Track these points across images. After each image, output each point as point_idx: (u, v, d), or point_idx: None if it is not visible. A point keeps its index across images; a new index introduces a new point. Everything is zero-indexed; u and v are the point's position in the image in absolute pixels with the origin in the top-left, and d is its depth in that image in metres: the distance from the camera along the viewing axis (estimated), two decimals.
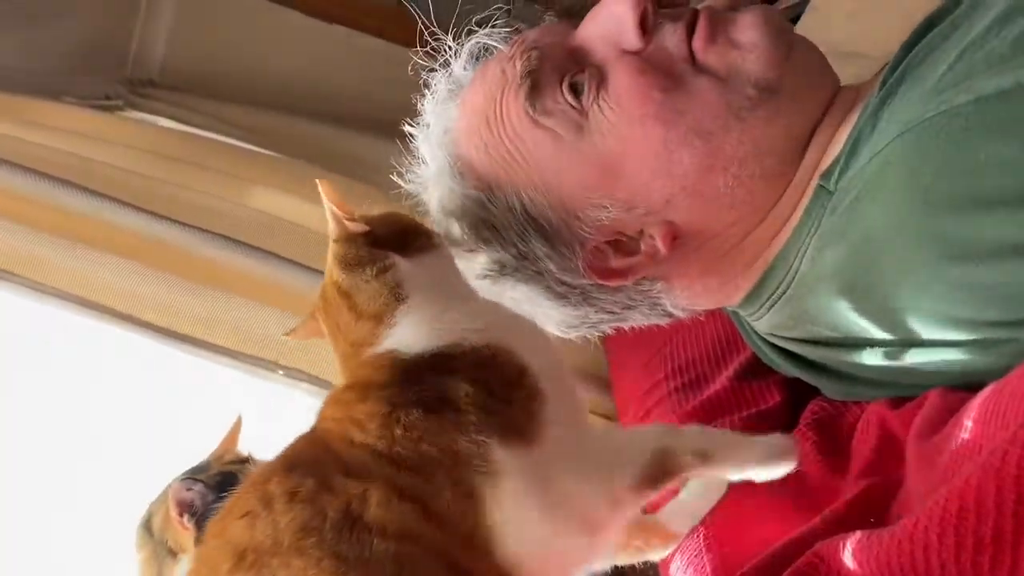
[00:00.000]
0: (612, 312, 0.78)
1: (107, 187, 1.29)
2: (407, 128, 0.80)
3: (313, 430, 0.57)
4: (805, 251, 0.66)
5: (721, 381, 0.85)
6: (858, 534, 0.48)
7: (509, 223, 0.72)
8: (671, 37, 0.68)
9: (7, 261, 1.13)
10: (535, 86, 0.69)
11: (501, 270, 0.74)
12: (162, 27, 3.19)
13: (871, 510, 0.57)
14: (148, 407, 1.18)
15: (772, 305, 0.72)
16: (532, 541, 0.52)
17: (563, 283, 0.74)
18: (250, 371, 1.10)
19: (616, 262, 0.72)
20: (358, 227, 0.63)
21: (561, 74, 0.69)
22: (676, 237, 0.70)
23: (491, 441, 0.52)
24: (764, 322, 0.76)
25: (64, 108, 2.07)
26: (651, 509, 0.71)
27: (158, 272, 1.14)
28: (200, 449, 1.05)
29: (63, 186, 1.23)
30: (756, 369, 0.84)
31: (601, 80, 0.68)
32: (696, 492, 0.67)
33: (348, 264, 0.62)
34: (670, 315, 0.79)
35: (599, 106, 0.68)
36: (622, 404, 1.02)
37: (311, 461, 0.52)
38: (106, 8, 3.01)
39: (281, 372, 1.10)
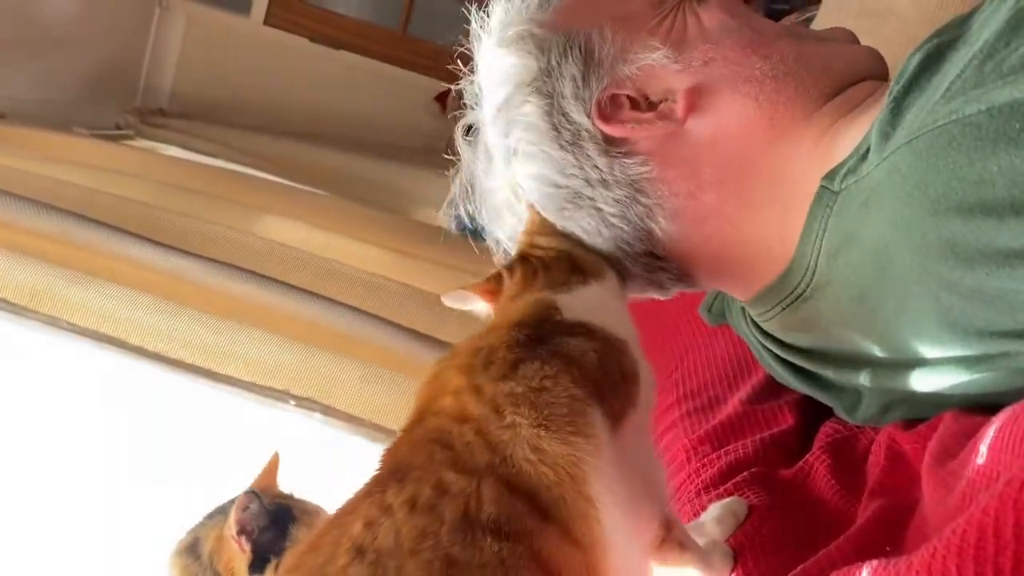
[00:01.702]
0: (587, 177, 0.75)
1: (118, 219, 1.30)
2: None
3: (419, 421, 0.59)
4: (819, 252, 0.66)
5: (733, 404, 0.84)
6: (874, 563, 0.47)
7: (557, 43, 0.77)
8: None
9: (21, 296, 1.14)
10: None
11: (518, 80, 0.78)
12: (171, 56, 3.24)
13: (885, 535, 0.57)
14: (160, 439, 1.18)
15: (788, 305, 0.72)
16: (623, 529, 0.55)
17: (564, 113, 0.75)
18: (262, 401, 1.10)
19: (626, 114, 0.75)
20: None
21: None
22: (694, 110, 0.73)
23: (594, 407, 0.56)
24: (776, 322, 0.75)
25: (75, 140, 2.09)
26: None
27: (169, 303, 1.14)
28: (211, 480, 1.05)
29: (75, 219, 1.24)
30: (769, 391, 0.84)
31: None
32: (716, 515, 0.67)
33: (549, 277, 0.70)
34: (647, 241, 0.76)
35: (691, 3, 0.77)
36: None
37: (422, 464, 0.54)
38: (115, 39, 3.05)
39: (292, 402, 1.10)
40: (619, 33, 0.76)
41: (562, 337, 0.60)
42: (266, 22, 3.24)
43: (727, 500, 0.69)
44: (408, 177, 2.57)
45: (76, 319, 1.13)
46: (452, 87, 0.86)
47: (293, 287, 1.22)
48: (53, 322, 1.13)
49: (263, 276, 1.22)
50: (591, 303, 0.68)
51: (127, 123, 2.88)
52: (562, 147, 0.75)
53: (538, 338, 0.60)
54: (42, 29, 2.50)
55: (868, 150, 0.62)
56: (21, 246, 1.19)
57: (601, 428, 0.56)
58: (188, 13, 3.19)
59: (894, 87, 0.64)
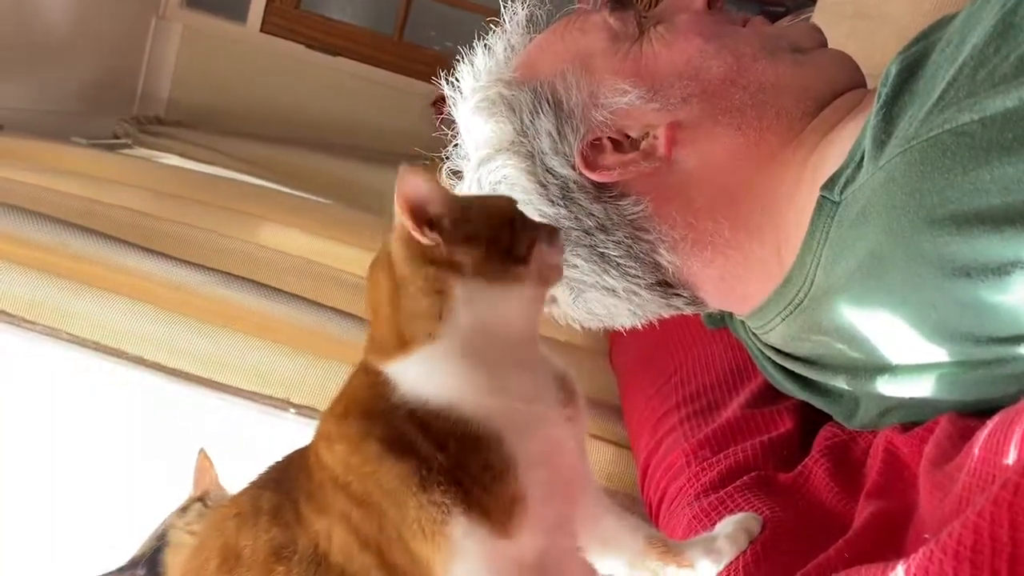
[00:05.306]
0: (584, 227, 0.75)
1: (116, 228, 1.30)
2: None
3: (309, 443, 0.55)
4: (819, 262, 0.66)
5: (733, 409, 0.85)
6: (873, 568, 0.47)
7: (525, 100, 0.76)
8: (731, 15, 0.79)
9: (19, 307, 1.14)
10: (618, 4, 0.78)
11: (496, 145, 0.77)
12: (167, 64, 3.25)
13: (884, 539, 0.57)
14: (162, 450, 1.18)
15: (788, 316, 0.72)
16: None
17: (548, 170, 0.75)
18: (262, 410, 1.10)
19: (610, 158, 0.74)
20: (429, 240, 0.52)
21: (637, 11, 0.80)
22: (677, 143, 0.73)
23: (453, 510, 0.48)
24: (776, 334, 0.75)
25: (72, 149, 2.09)
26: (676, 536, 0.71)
27: (168, 314, 1.15)
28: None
29: (73, 230, 1.24)
30: (768, 395, 0.84)
31: (661, 20, 0.78)
32: (729, 531, 0.65)
33: (409, 260, 0.53)
34: (657, 272, 0.76)
35: (655, 28, 0.77)
36: (634, 432, 1.01)
37: (292, 481, 0.53)
38: (112, 49, 3.06)
39: (293, 411, 1.10)
40: (583, 76, 0.75)
41: (404, 426, 0.49)
42: (262, 29, 3.24)
43: (741, 516, 0.66)
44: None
45: (76, 330, 1.13)
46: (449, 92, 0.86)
47: (292, 295, 1.23)
48: (53, 333, 1.13)
49: (262, 285, 1.22)
50: (439, 370, 0.51)
51: (124, 132, 2.88)
52: (553, 202, 0.76)
53: (387, 420, 0.50)
54: (38, 40, 2.50)
55: (863, 158, 0.62)
56: (19, 258, 1.19)
57: (465, 534, 0.47)
58: (185, 21, 3.19)
59: (882, 91, 0.64)
